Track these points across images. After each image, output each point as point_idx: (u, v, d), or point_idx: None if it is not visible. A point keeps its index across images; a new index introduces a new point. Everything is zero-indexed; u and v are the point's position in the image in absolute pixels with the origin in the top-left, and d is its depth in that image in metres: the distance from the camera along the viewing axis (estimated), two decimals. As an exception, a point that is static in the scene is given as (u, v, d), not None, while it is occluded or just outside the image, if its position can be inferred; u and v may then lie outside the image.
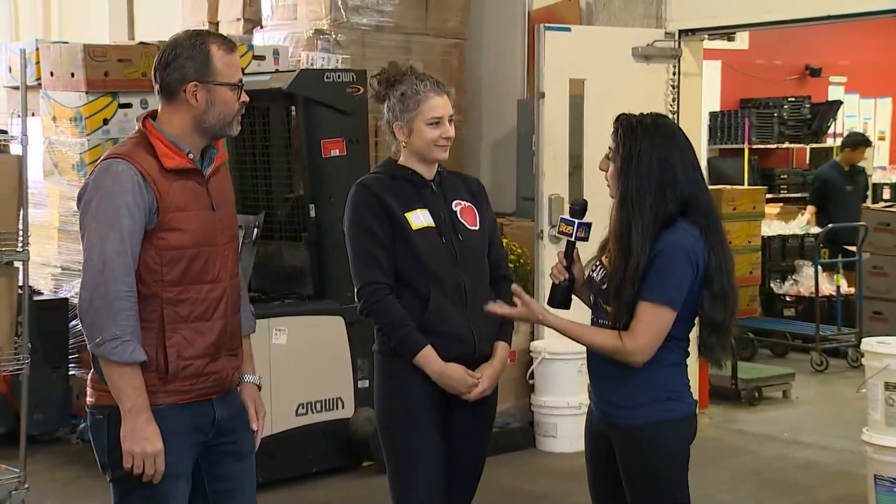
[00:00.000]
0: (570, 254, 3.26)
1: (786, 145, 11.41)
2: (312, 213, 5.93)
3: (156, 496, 2.98)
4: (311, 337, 5.77)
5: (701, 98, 7.29)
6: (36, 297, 6.41)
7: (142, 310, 2.93)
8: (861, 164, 9.79)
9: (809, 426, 7.03)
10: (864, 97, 12.22)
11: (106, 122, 6.41)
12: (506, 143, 7.75)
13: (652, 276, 3.03)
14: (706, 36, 7.04)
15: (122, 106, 6.43)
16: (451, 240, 3.45)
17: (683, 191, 3.07)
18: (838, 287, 8.87)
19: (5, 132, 5.45)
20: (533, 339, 6.54)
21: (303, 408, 5.72)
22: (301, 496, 5.62)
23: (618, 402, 3.14)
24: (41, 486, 5.58)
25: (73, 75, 6.40)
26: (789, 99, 11.32)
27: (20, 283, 5.17)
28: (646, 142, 3.07)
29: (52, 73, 6.57)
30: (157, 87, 3.03)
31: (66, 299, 6.63)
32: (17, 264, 5.10)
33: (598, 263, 3.23)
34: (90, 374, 3.06)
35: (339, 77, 5.92)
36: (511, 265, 5.30)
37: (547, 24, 6.60)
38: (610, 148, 3.15)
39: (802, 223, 9.79)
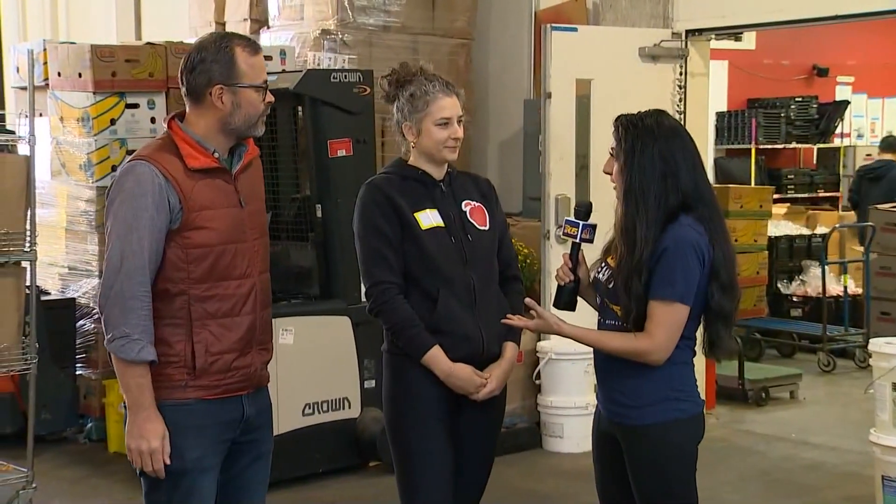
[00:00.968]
0: (575, 255, 3.26)
1: (793, 145, 11.40)
2: (319, 214, 5.94)
3: (181, 489, 3.01)
4: (318, 337, 5.77)
5: (708, 98, 7.28)
6: (43, 297, 6.41)
7: (170, 307, 2.98)
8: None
9: (817, 427, 7.02)
10: (871, 97, 12.20)
11: (113, 122, 6.42)
12: (512, 143, 7.75)
13: (660, 274, 3.03)
14: (713, 36, 7.03)
15: (129, 106, 6.44)
16: (461, 240, 3.45)
17: (685, 183, 3.08)
18: (845, 287, 8.86)
19: (13, 132, 5.46)
20: (539, 340, 6.54)
21: (309, 408, 5.72)
22: (308, 496, 5.62)
23: (626, 402, 3.14)
24: (49, 485, 5.59)
25: (80, 76, 6.42)
26: (796, 99, 11.31)
27: (28, 283, 5.18)
28: (647, 136, 3.08)
29: (59, 74, 6.58)
30: (183, 89, 3.08)
31: (73, 299, 6.64)
32: (25, 264, 5.11)
33: (603, 265, 3.23)
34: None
35: (345, 77, 5.92)
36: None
37: (554, 24, 6.60)
38: (612, 148, 3.15)
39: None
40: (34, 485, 5.13)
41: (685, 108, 6.80)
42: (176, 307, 2.99)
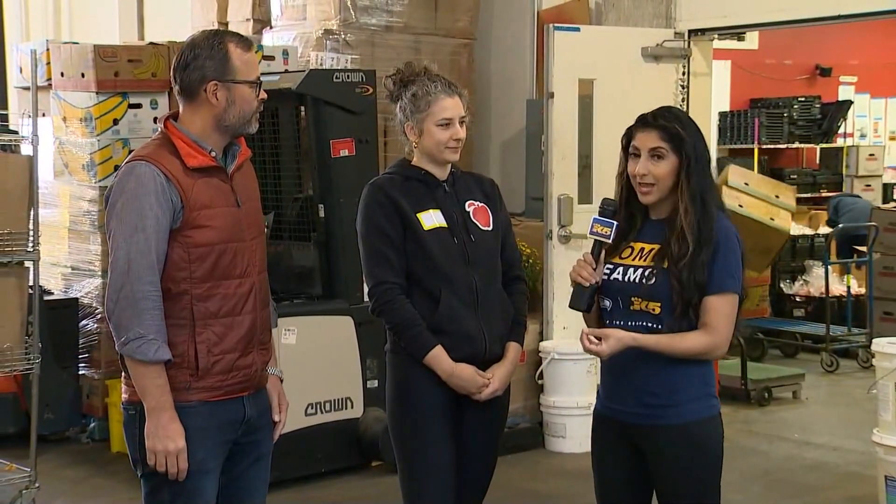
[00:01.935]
0: (598, 255, 3.15)
1: (796, 145, 11.38)
2: (322, 214, 5.94)
3: (184, 492, 3.01)
4: (321, 337, 5.78)
5: (710, 98, 7.28)
6: (46, 297, 6.42)
7: (172, 307, 2.97)
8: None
9: (819, 427, 7.01)
10: (874, 97, 12.19)
11: (116, 122, 6.42)
12: (515, 143, 7.75)
13: (719, 269, 3.05)
14: (716, 36, 7.03)
15: (132, 106, 6.45)
16: (463, 240, 3.45)
17: (713, 177, 3.15)
18: (848, 287, 8.86)
19: (16, 132, 5.47)
20: (542, 340, 6.54)
21: (312, 408, 5.73)
22: (310, 496, 5.62)
23: (660, 402, 3.08)
24: (51, 485, 5.59)
25: (83, 76, 6.42)
26: (799, 99, 11.30)
27: (31, 283, 5.18)
28: (699, 137, 3.12)
29: (62, 74, 6.58)
30: (176, 87, 3.06)
31: (76, 299, 6.64)
32: (28, 264, 5.12)
33: (613, 265, 3.16)
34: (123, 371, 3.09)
35: (348, 77, 5.92)
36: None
37: (556, 24, 6.60)
38: (658, 147, 3.08)
39: None
40: (37, 484, 5.14)
41: (688, 108, 6.78)
42: (179, 307, 2.99)
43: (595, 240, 3.15)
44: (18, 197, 4.99)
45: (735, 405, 7.38)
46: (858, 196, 10.39)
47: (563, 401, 6.39)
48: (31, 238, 5.04)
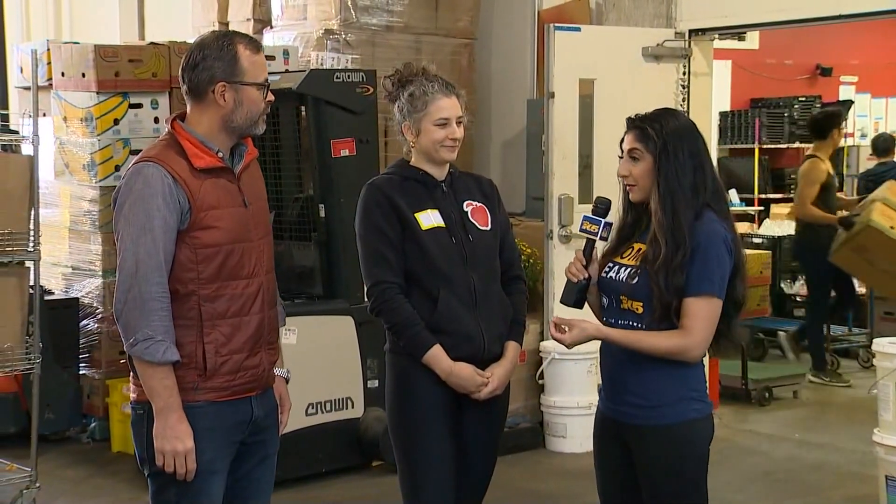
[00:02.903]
0: (589, 253, 3.23)
1: (796, 145, 11.37)
2: (322, 213, 5.94)
3: (191, 491, 3.01)
4: (321, 337, 5.78)
5: (711, 98, 7.27)
6: (47, 297, 6.42)
7: (180, 308, 2.98)
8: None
9: (820, 427, 7.01)
10: (875, 97, 12.18)
11: (116, 122, 6.43)
12: (515, 142, 7.75)
13: (697, 271, 3.04)
14: (716, 36, 7.02)
15: (132, 106, 6.45)
16: (462, 240, 3.46)
17: (710, 178, 3.12)
18: (850, 287, 8.84)
19: (16, 132, 5.47)
20: (542, 340, 6.54)
21: (312, 408, 5.73)
22: (311, 496, 5.62)
23: (641, 403, 3.11)
24: (52, 485, 5.60)
25: (83, 75, 6.42)
26: (800, 99, 11.29)
27: (31, 283, 5.19)
28: (676, 135, 3.11)
29: (63, 74, 6.59)
30: (184, 87, 3.07)
31: (76, 299, 6.65)
32: (29, 264, 5.12)
33: (612, 264, 3.20)
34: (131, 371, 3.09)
35: (348, 77, 5.93)
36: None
37: (557, 24, 6.60)
38: (631, 149, 3.13)
39: None
40: (38, 484, 5.15)
41: (688, 107, 6.78)
42: (186, 308, 2.99)
43: (587, 237, 3.21)
44: (19, 197, 4.99)
45: (736, 405, 7.38)
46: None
47: (564, 401, 6.39)
48: (31, 238, 5.04)
